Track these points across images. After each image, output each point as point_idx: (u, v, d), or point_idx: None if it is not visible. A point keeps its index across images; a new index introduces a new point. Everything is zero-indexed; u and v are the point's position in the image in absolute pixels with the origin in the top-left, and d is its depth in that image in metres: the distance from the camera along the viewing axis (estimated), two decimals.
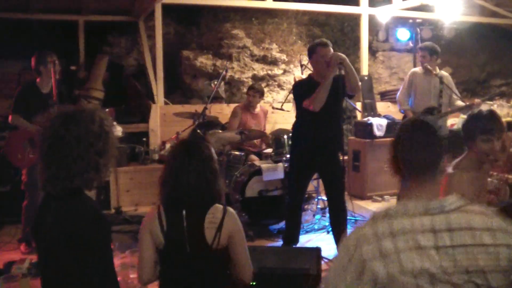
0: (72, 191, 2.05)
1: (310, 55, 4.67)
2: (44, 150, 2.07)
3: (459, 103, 5.94)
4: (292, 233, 4.85)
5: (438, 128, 1.89)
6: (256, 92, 6.51)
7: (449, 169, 3.03)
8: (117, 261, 3.13)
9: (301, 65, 7.35)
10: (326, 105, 4.46)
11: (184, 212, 2.44)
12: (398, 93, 6.36)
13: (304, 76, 6.87)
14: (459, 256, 1.65)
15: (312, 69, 5.05)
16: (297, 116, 4.83)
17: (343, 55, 4.43)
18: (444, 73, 6.21)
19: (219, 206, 2.49)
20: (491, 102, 7.66)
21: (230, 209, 2.51)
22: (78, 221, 2.00)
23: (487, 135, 2.98)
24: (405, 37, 8.74)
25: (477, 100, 5.76)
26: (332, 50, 4.56)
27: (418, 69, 6.24)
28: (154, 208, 2.51)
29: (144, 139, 7.24)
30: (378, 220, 1.73)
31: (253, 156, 6.28)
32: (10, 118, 4.95)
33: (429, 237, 1.68)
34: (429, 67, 5.93)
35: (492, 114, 3.09)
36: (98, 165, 2.09)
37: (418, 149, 1.84)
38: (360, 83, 4.70)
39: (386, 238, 1.69)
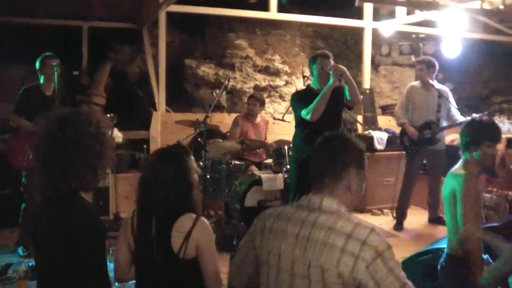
0: (68, 194, 2.05)
1: (311, 64, 4.74)
2: (41, 153, 2.06)
3: (458, 117, 5.94)
4: None
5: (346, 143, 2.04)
6: (256, 100, 6.51)
7: (460, 171, 3.07)
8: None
9: (303, 77, 7.36)
10: (325, 116, 4.49)
11: (153, 218, 2.39)
12: (396, 107, 6.37)
13: None
14: (308, 248, 1.86)
15: None
16: (296, 127, 4.84)
17: (344, 68, 4.48)
18: (443, 87, 6.22)
19: (191, 215, 2.40)
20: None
21: (203, 220, 2.42)
22: (74, 224, 2.00)
23: (494, 141, 3.12)
24: None
25: (475, 116, 5.78)
26: (332, 62, 4.60)
27: (417, 83, 6.25)
28: (131, 212, 2.50)
29: (145, 146, 7.24)
30: (281, 205, 2.09)
31: (253, 166, 6.27)
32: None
33: (296, 226, 1.93)
34: (430, 80, 5.95)
35: (495, 122, 3.26)
36: (96, 167, 2.09)
37: (317, 159, 2.04)
38: (361, 96, 4.72)
39: (270, 218, 2.02)
